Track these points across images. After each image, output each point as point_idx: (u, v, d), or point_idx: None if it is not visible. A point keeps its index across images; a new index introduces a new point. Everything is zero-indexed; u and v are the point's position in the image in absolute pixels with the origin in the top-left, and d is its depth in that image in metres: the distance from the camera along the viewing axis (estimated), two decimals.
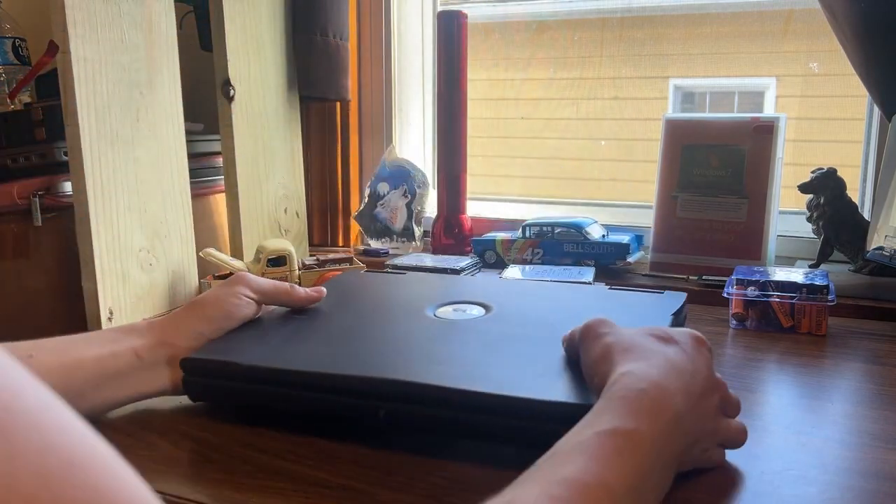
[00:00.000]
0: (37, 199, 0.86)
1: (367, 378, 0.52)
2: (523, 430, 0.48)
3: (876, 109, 1.03)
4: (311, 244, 1.26)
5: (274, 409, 0.56)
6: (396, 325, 0.64)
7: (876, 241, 0.83)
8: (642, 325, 0.54)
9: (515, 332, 0.60)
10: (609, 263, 1.03)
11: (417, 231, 1.22)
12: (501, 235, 1.10)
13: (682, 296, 0.68)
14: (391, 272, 0.84)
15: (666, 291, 0.70)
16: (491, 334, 0.60)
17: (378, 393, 0.51)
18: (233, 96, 0.99)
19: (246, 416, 0.57)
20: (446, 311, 0.66)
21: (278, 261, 0.91)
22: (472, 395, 0.49)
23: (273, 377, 0.55)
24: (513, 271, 0.94)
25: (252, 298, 0.63)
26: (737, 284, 0.82)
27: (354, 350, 0.58)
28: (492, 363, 0.54)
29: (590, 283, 0.88)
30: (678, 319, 0.63)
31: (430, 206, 1.25)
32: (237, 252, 1.02)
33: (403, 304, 0.70)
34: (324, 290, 0.69)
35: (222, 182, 1.04)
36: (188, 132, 0.96)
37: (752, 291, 0.81)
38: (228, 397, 0.57)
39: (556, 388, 0.49)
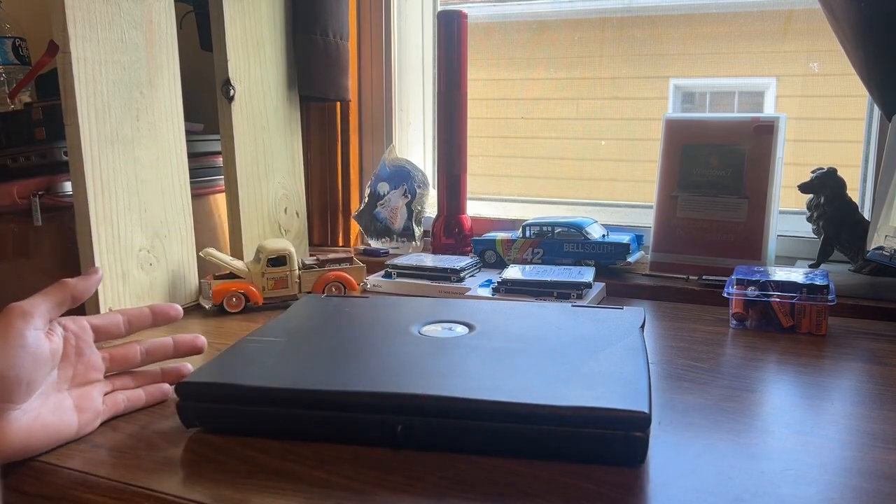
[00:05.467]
0: (37, 199, 0.86)
1: (390, 394, 0.51)
2: (549, 436, 0.49)
3: (876, 109, 1.03)
4: (311, 244, 1.26)
5: (276, 430, 0.54)
6: (388, 343, 0.63)
7: (876, 240, 0.83)
8: (615, 339, 0.62)
9: (506, 346, 0.61)
10: (609, 263, 1.03)
11: (417, 231, 1.22)
12: (501, 235, 1.10)
13: (641, 310, 0.71)
14: (358, 296, 0.82)
15: (625, 307, 0.72)
16: (483, 349, 0.60)
17: (398, 408, 0.51)
18: (233, 96, 0.99)
19: None
20: (433, 330, 0.66)
21: (278, 261, 0.91)
22: (500, 405, 0.49)
23: (283, 398, 0.53)
24: (513, 271, 0.94)
25: (39, 328, 0.52)
26: (737, 284, 0.82)
27: (355, 368, 0.57)
28: (500, 375, 0.55)
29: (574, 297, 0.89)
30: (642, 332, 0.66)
31: (430, 206, 1.25)
32: (237, 252, 1.02)
33: (385, 323, 0.69)
34: (99, 274, 0.58)
35: (222, 182, 1.04)
36: (188, 132, 0.96)
37: (752, 291, 0.81)
38: (227, 421, 0.54)
39: (574, 396, 0.50)
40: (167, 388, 0.62)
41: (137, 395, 0.60)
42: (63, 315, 0.56)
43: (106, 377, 0.59)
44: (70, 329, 0.56)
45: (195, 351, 0.64)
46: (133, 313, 0.60)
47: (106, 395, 0.58)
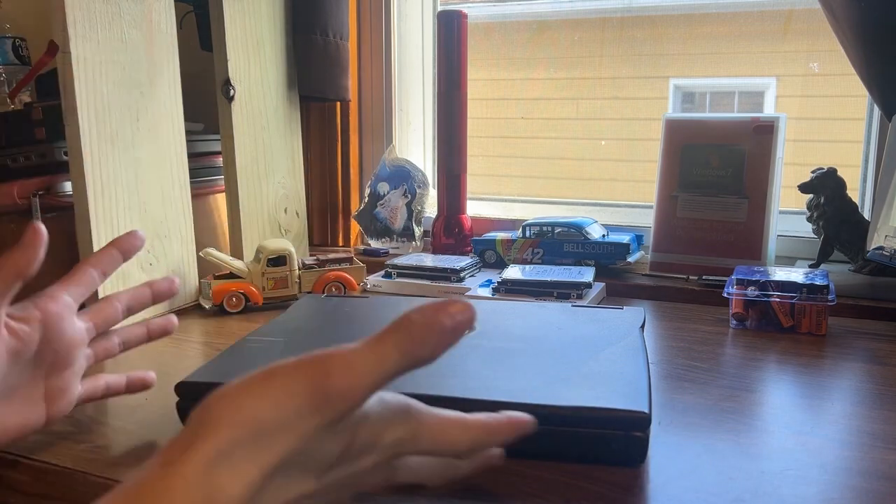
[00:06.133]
0: (37, 199, 0.86)
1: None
2: (549, 436, 0.49)
3: (876, 109, 1.03)
4: (311, 244, 1.26)
5: None
6: None
7: (876, 240, 0.83)
8: (615, 339, 0.61)
9: (505, 346, 0.61)
10: (609, 263, 1.03)
11: (417, 231, 1.22)
12: (501, 235, 1.10)
13: (641, 310, 0.71)
14: (358, 296, 0.81)
15: (625, 307, 0.72)
16: (483, 349, 0.60)
17: None
18: (233, 96, 0.99)
19: None
20: None
21: (278, 261, 0.91)
22: (500, 405, 0.49)
23: None
24: (513, 271, 0.94)
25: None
26: (737, 284, 0.82)
27: None
28: (500, 375, 0.55)
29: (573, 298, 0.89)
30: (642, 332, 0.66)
31: (430, 206, 1.25)
32: (237, 252, 1.02)
33: (385, 323, 0.68)
34: (42, 233, 0.52)
35: (222, 182, 1.04)
36: (188, 132, 0.96)
37: (752, 291, 0.81)
38: None
39: (574, 396, 0.50)
40: (151, 376, 0.60)
41: (118, 382, 0.58)
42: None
43: (90, 344, 0.56)
44: (51, 312, 0.51)
45: (172, 295, 0.60)
46: (102, 260, 0.56)
47: (86, 377, 0.55)
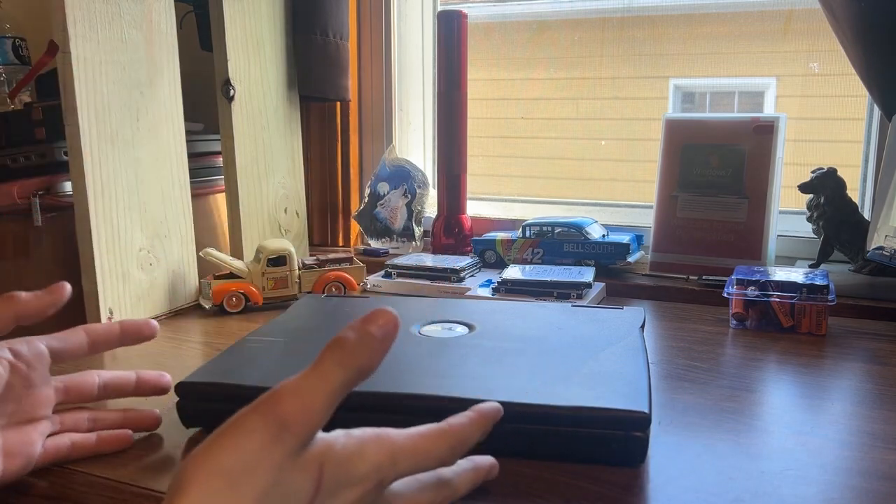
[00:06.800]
0: (37, 199, 0.86)
1: (390, 394, 0.51)
2: (549, 436, 0.49)
3: (876, 109, 1.03)
4: (311, 244, 1.26)
5: None
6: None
7: (876, 240, 0.83)
8: (615, 339, 0.62)
9: (505, 346, 0.61)
10: (609, 263, 1.03)
11: (417, 231, 1.22)
12: (501, 235, 1.10)
13: (641, 310, 0.70)
14: (358, 296, 0.80)
15: (625, 307, 0.72)
16: (483, 349, 0.60)
17: (398, 408, 0.51)
18: (233, 96, 0.99)
19: None
20: (433, 330, 0.66)
21: (278, 261, 0.91)
22: (500, 405, 0.49)
23: None
24: (513, 271, 0.94)
25: None
26: (737, 284, 0.82)
27: None
28: (500, 375, 0.55)
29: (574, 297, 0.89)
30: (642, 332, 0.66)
31: (430, 206, 1.25)
32: (237, 252, 1.02)
33: None
34: (66, 293, 0.50)
35: (222, 182, 1.04)
36: (188, 132, 0.96)
37: (752, 291, 0.81)
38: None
39: (574, 396, 0.50)
40: (127, 435, 0.53)
41: (87, 440, 0.51)
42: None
43: (56, 411, 0.51)
44: (23, 357, 0.48)
45: (159, 391, 0.56)
46: (99, 332, 0.52)
47: (50, 436, 0.50)
